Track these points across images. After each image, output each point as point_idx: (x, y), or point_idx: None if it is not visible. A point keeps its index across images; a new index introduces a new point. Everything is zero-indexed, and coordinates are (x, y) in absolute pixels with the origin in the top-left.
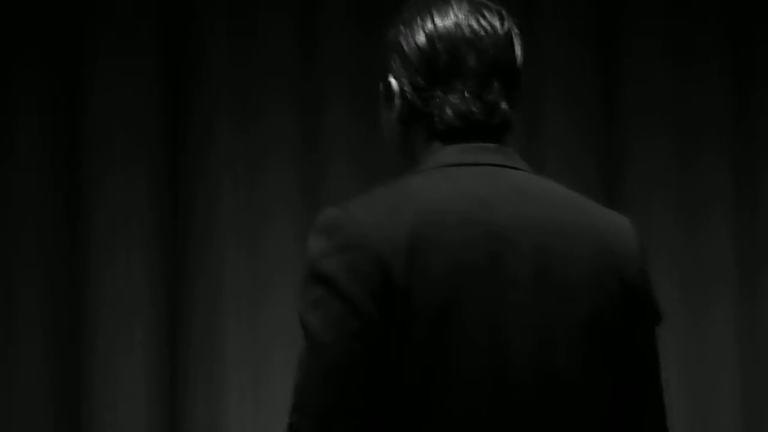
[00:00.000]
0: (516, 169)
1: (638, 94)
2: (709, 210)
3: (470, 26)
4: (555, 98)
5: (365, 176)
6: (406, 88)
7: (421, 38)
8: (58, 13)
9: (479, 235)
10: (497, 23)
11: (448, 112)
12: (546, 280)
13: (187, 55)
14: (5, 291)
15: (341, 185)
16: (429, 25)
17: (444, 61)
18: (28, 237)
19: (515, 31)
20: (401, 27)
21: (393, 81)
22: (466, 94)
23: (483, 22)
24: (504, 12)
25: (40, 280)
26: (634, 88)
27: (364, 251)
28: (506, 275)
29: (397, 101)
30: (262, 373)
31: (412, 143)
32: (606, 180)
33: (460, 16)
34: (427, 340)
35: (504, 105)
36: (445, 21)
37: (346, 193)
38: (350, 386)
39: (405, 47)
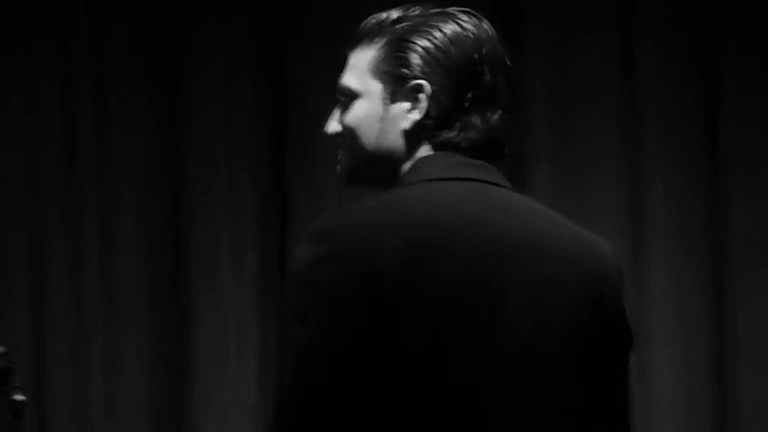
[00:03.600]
0: (500, 186)
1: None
2: None
3: (499, 47)
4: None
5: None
6: (442, 95)
7: (470, 52)
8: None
9: (469, 254)
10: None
11: (480, 128)
12: (532, 297)
13: None
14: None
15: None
16: (476, 40)
17: (488, 78)
18: (133, 240)
19: None
20: (437, 33)
21: (425, 83)
22: (496, 116)
23: (503, 49)
24: None
25: (146, 285)
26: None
27: (355, 261)
28: (495, 292)
29: (424, 103)
30: None
31: (407, 148)
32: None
33: (491, 34)
34: (418, 359)
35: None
36: (489, 38)
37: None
38: (334, 400)
39: (450, 56)
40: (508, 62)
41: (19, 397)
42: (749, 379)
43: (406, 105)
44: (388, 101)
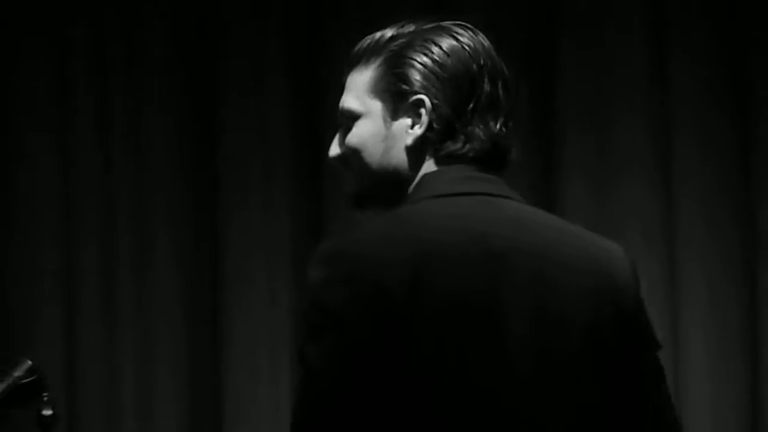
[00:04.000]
0: (509, 198)
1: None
2: None
3: (495, 57)
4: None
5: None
6: (443, 107)
7: (468, 63)
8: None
9: (478, 267)
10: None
11: (484, 138)
12: (544, 308)
13: None
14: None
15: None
16: (473, 51)
17: (487, 87)
18: (167, 247)
19: None
20: (433, 48)
21: (425, 97)
22: (499, 124)
23: (499, 59)
24: None
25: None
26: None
27: (365, 282)
28: (505, 305)
29: (425, 118)
30: None
31: (412, 164)
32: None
33: (487, 46)
34: (430, 369)
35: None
36: (484, 49)
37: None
38: (346, 417)
39: (448, 69)
40: (505, 72)
41: (48, 412)
42: None
43: (408, 121)
44: (389, 119)
